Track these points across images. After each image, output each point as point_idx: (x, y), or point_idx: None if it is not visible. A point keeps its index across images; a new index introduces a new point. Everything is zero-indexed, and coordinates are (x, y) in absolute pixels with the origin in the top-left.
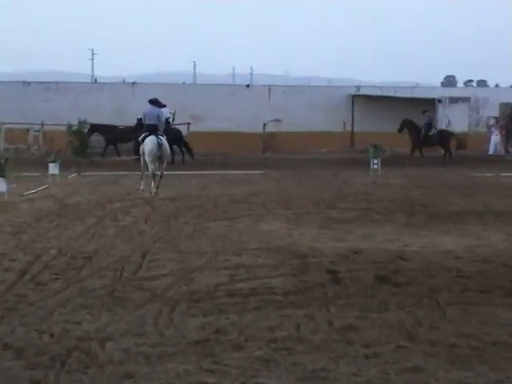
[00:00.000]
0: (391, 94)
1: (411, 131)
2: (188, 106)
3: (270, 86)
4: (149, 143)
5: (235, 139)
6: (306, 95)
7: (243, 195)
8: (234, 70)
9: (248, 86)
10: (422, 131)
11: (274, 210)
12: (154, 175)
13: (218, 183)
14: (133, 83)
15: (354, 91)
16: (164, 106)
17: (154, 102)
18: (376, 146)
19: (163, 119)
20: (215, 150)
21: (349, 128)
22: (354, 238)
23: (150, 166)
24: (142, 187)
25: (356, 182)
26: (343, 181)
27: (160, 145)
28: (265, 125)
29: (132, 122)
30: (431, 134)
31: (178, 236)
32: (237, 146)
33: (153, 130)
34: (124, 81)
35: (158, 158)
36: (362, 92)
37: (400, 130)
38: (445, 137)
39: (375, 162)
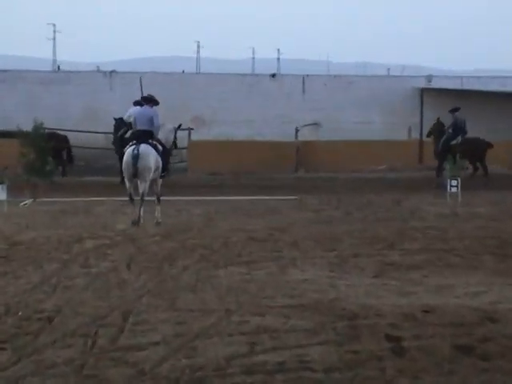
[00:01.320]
0: (478, 86)
1: (436, 139)
2: (189, 105)
3: (304, 75)
4: (125, 155)
5: (255, 151)
6: (355, 89)
7: (266, 230)
8: (253, 53)
9: (274, 75)
10: (443, 138)
11: (310, 252)
12: (131, 199)
13: (230, 213)
14: (111, 72)
15: (423, 83)
16: (156, 103)
17: (148, 101)
18: (455, 161)
19: (158, 122)
20: (226, 166)
21: (416, 135)
22: (424, 290)
23: (127, 187)
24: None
25: (427, 212)
26: (409, 210)
27: (135, 156)
28: (297, 131)
29: (109, 128)
30: (454, 142)
31: (175, 288)
32: (257, 160)
33: (143, 137)
34: (99, 69)
35: (133, 174)
36: (435, 84)
37: (428, 135)
38: (475, 147)
39: (454, 183)
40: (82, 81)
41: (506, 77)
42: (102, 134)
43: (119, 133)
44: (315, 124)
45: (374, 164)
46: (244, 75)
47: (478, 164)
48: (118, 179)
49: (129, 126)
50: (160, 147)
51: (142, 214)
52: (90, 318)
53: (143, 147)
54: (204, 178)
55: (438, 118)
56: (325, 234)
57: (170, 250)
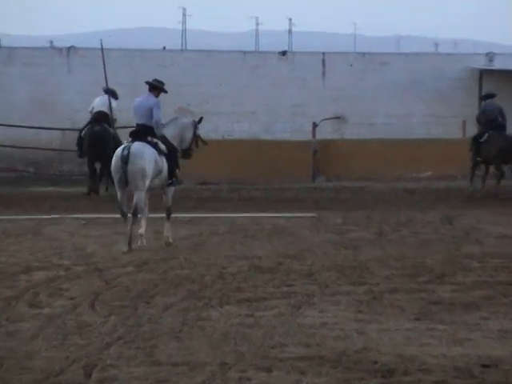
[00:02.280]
0: None
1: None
2: (171, 91)
3: (324, 53)
4: (114, 156)
5: (260, 153)
6: (391, 71)
7: (274, 258)
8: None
9: (284, 53)
10: (474, 135)
11: (331, 286)
12: (123, 214)
13: (226, 235)
14: (69, 49)
15: (482, 62)
16: (163, 91)
17: (153, 88)
18: None
19: (158, 116)
20: (222, 173)
21: (473, 131)
22: (483, 337)
23: (118, 198)
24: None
25: (487, 234)
26: (462, 231)
27: (125, 158)
28: (315, 126)
29: (66, 122)
30: (483, 140)
31: (154, 334)
32: (263, 165)
33: (141, 133)
34: (52, 45)
35: (123, 181)
36: (499, 64)
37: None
38: (507, 148)
39: None
40: (30, 60)
41: None
42: (58, 131)
43: (81, 130)
44: (338, 117)
45: (416, 170)
46: (245, 53)
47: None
48: (81, 190)
49: (92, 121)
50: (163, 147)
51: (138, 233)
52: (42, 374)
53: (136, 146)
54: (192, 188)
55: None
56: (351, 262)
57: (147, 284)
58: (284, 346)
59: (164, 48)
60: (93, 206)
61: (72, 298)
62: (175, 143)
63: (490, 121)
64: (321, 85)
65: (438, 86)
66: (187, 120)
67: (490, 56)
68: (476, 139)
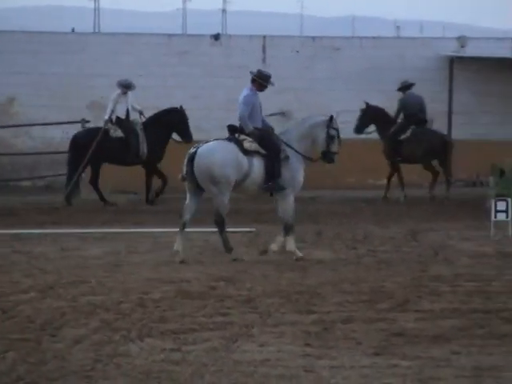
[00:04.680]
0: None
1: (381, 131)
2: (83, 83)
3: (265, 37)
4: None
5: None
6: (344, 58)
7: (206, 281)
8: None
9: (217, 36)
10: (391, 130)
11: (274, 315)
12: (180, 221)
13: (148, 255)
14: None
15: (453, 48)
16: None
17: (254, 81)
18: (503, 172)
19: (242, 112)
20: (143, 180)
21: (442, 129)
22: (455, 376)
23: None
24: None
25: (458, 252)
26: (429, 248)
27: (190, 155)
28: None
29: None
30: (403, 137)
31: (61, 373)
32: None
33: (231, 130)
34: None
35: (187, 180)
36: (473, 50)
37: (359, 130)
38: (432, 147)
39: (502, 206)
40: None
41: None
42: None
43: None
44: (282, 113)
45: (375, 177)
46: (170, 36)
47: (440, 169)
48: None
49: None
50: (253, 146)
51: (183, 243)
52: None
53: (207, 145)
54: (107, 198)
55: (366, 105)
56: (297, 286)
57: (53, 313)
58: None
59: (73, 30)
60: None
61: None
62: (304, 145)
63: (411, 115)
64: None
65: (400, 75)
66: (318, 119)
67: (462, 40)
68: (395, 137)
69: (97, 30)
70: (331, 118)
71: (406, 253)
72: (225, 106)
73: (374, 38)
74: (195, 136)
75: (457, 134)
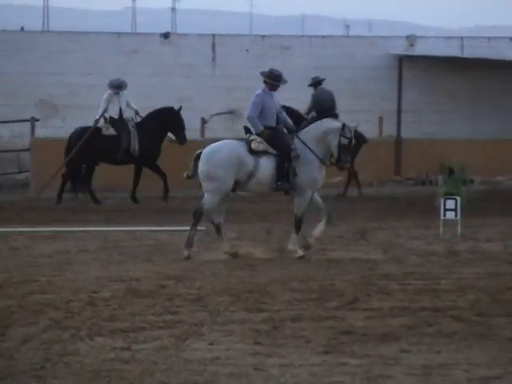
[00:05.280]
0: (487, 51)
1: None
2: (30, 81)
3: (215, 35)
4: None
5: None
6: (294, 57)
7: (156, 280)
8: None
9: (167, 35)
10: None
11: (224, 314)
12: (212, 224)
13: (98, 253)
14: None
15: (403, 47)
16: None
17: (265, 81)
18: (452, 171)
19: (250, 112)
20: (95, 177)
21: (392, 129)
22: (403, 373)
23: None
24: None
25: (407, 250)
26: (379, 247)
27: (196, 156)
28: (205, 122)
29: None
30: None
31: (9, 372)
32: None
33: (246, 131)
34: None
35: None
36: (422, 49)
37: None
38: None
39: (450, 205)
40: None
41: None
42: None
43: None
44: (232, 112)
45: (327, 175)
46: (120, 34)
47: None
48: None
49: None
50: (261, 146)
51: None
52: None
53: (213, 145)
54: (55, 197)
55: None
56: (247, 284)
57: (1, 312)
58: None
59: (22, 29)
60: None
61: None
62: (320, 147)
63: (325, 110)
64: (210, 73)
65: (349, 74)
66: (333, 125)
67: (411, 39)
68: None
69: (46, 29)
70: (343, 126)
71: (354, 251)
72: (175, 105)
73: (323, 36)
74: None
75: (406, 133)
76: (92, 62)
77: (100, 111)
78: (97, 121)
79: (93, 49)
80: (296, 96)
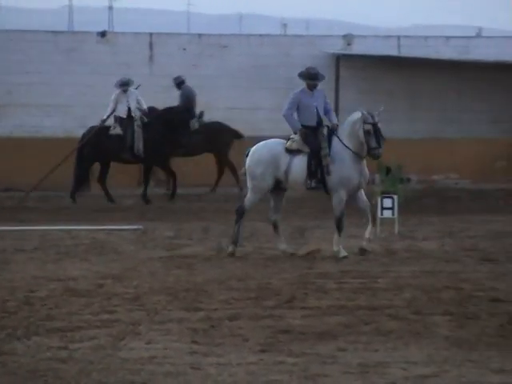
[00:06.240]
0: (425, 51)
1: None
2: None
3: (152, 34)
4: None
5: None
6: (233, 55)
7: (93, 279)
8: None
9: (104, 33)
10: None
11: (161, 313)
12: (273, 224)
13: (35, 252)
14: None
15: (339, 46)
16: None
17: (317, 77)
18: (389, 170)
19: (284, 110)
20: (30, 177)
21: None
22: (341, 372)
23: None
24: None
25: (345, 248)
26: (317, 246)
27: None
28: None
29: None
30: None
31: None
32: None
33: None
34: None
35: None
36: (359, 48)
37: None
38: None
39: (388, 204)
40: None
41: (472, 37)
42: None
43: None
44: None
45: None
46: (56, 33)
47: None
48: None
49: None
50: (294, 145)
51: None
52: None
53: (258, 144)
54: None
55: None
56: (184, 283)
57: None
58: None
59: None
60: None
61: None
62: (353, 141)
63: (193, 106)
64: (148, 72)
65: (287, 73)
66: (355, 115)
67: (348, 38)
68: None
69: None
70: (362, 113)
71: (292, 249)
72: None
73: (260, 35)
74: (81, 133)
75: None
76: (29, 60)
77: (108, 110)
78: (104, 120)
79: (29, 47)
80: (231, 94)
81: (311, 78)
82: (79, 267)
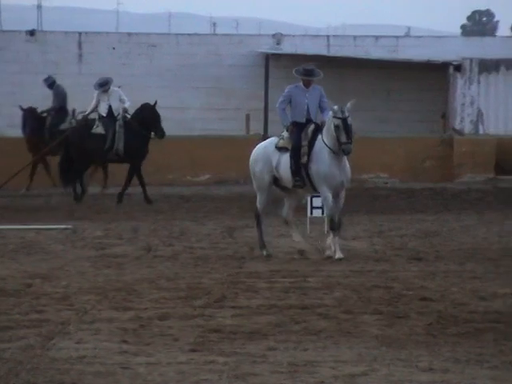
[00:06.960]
0: (354, 50)
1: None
2: None
3: (81, 32)
4: None
5: (5, 153)
6: (161, 54)
7: (21, 279)
8: None
9: (33, 32)
10: (48, 123)
11: (90, 312)
12: (284, 221)
13: None
14: None
15: (269, 46)
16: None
17: (312, 73)
18: None
19: (277, 105)
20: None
21: (259, 127)
22: (270, 371)
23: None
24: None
25: (275, 248)
26: (247, 245)
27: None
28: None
29: None
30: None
31: None
32: (9, 167)
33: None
34: None
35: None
36: (288, 48)
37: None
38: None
39: (317, 203)
40: None
41: (401, 36)
42: None
43: None
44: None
45: (191, 173)
46: None
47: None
48: None
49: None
50: (281, 142)
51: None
52: None
53: (263, 141)
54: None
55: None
56: (114, 283)
57: None
58: None
59: None
60: None
61: None
62: (329, 139)
63: (64, 105)
64: (77, 71)
65: (216, 73)
66: (330, 111)
67: (278, 38)
68: (55, 127)
69: None
70: (332, 108)
71: (222, 249)
72: (41, 103)
73: (189, 34)
74: (9, 132)
75: (273, 131)
76: None
77: (88, 109)
78: (84, 117)
79: None
80: (160, 93)
81: (306, 74)
82: (8, 267)
